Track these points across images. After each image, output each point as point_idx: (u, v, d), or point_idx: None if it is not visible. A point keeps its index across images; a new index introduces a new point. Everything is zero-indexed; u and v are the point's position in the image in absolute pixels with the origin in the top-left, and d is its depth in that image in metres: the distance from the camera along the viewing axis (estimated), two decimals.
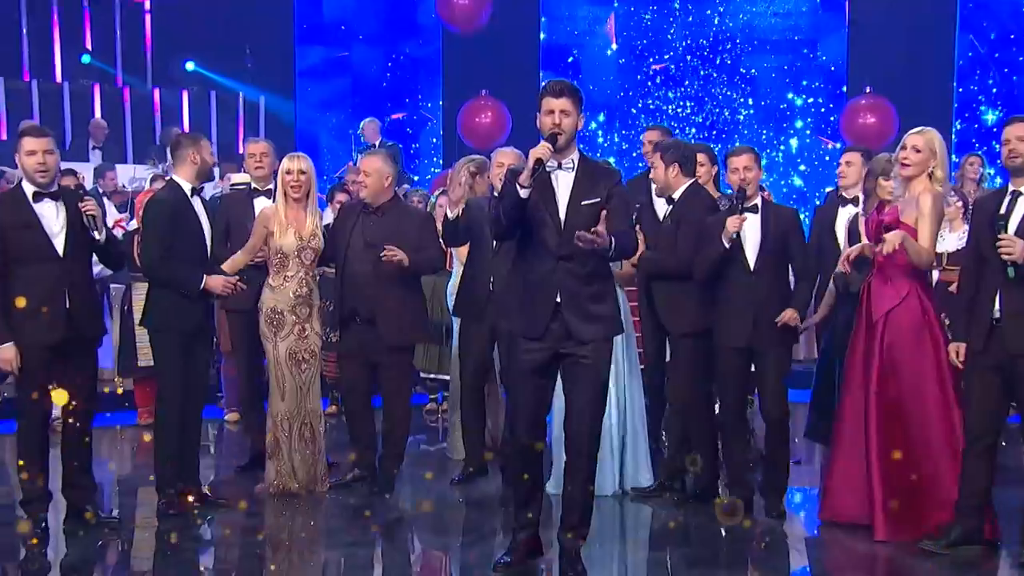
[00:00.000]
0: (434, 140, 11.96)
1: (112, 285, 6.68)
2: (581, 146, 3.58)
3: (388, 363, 4.57)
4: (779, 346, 4.26)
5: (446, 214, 4.72)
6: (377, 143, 9.48)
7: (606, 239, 3.32)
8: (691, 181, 4.52)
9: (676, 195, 4.51)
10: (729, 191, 4.57)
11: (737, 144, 4.59)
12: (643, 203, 4.63)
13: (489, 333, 4.77)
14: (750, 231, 4.27)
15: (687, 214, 4.40)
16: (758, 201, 4.33)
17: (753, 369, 4.33)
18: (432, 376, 6.68)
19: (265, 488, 4.56)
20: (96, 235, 3.93)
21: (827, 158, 10.67)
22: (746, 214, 4.24)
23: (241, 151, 10.33)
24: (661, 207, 4.56)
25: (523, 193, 3.37)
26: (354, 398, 4.66)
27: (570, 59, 11.43)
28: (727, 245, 4.21)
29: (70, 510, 4.04)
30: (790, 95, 11.03)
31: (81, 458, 4.01)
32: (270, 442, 4.54)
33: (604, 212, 3.44)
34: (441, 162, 11.75)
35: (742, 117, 11.11)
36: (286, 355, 4.50)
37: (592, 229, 3.32)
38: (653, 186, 4.57)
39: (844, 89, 10.76)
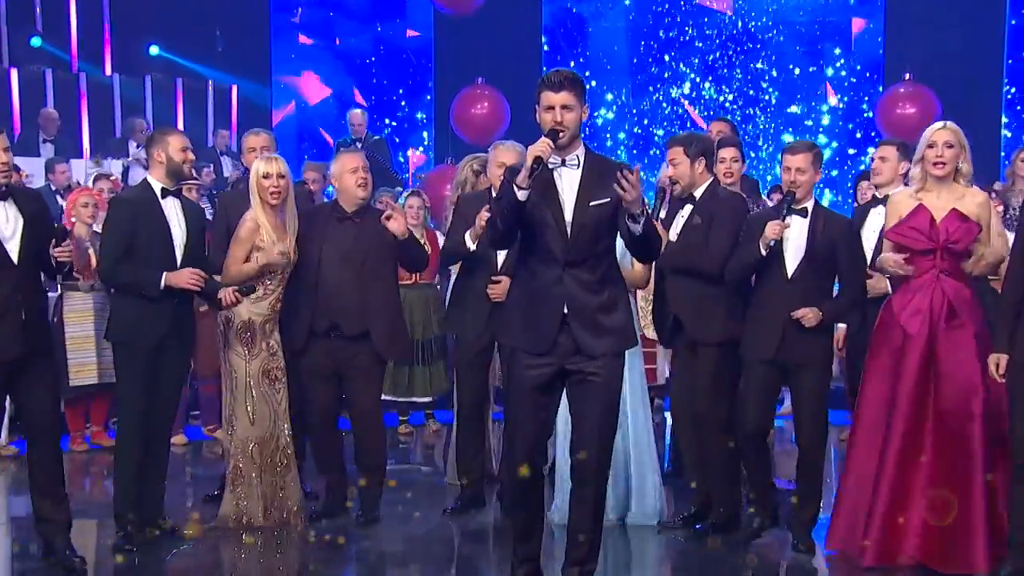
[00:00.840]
0: (425, 134, 12.04)
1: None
2: (595, 142, 3.63)
3: (364, 379, 4.61)
4: (815, 362, 4.29)
5: (464, 242, 4.72)
6: (363, 136, 9.57)
7: (640, 195, 3.29)
8: (712, 179, 4.58)
9: (697, 192, 4.56)
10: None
11: (795, 140, 4.61)
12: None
13: (480, 346, 4.81)
14: (794, 235, 4.31)
15: (720, 211, 4.45)
16: (809, 204, 4.37)
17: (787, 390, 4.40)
18: (398, 400, 6.72)
19: (224, 522, 4.53)
20: (58, 276, 3.97)
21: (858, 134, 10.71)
22: (790, 219, 4.29)
23: (211, 143, 10.40)
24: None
25: (521, 195, 3.39)
26: (324, 420, 4.67)
27: (577, 49, 11.50)
28: (764, 252, 4.26)
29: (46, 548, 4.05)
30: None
31: (54, 486, 4.01)
32: (232, 471, 4.53)
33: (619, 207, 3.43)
34: (432, 156, 11.82)
35: (769, 97, 11.19)
36: (259, 373, 4.53)
37: (624, 174, 3.26)
38: (675, 188, 4.60)
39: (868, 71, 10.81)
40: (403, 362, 6.53)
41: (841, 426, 5.74)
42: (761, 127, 11.23)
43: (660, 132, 11.33)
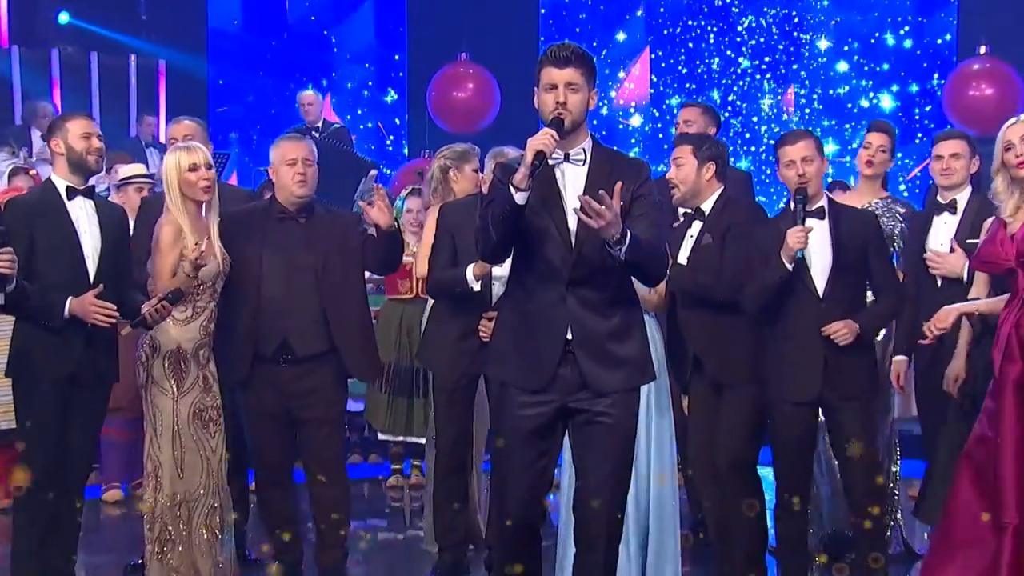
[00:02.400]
0: (397, 121, 12.10)
1: None
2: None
3: (322, 417, 4.60)
4: (859, 393, 4.33)
5: (464, 278, 4.75)
6: (320, 124, 9.57)
7: (615, 219, 3.32)
8: (722, 187, 4.62)
9: (706, 205, 4.59)
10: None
11: (789, 132, 4.67)
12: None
13: (465, 381, 4.84)
14: (815, 243, 4.35)
15: (735, 226, 4.49)
16: (824, 203, 4.43)
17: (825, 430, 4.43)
18: (398, 440, 6.76)
19: None
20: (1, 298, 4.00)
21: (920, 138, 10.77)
22: (810, 222, 4.33)
23: (135, 133, 10.40)
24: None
25: (518, 198, 3.41)
26: (273, 469, 4.67)
27: (582, 15, 11.57)
28: (790, 266, 4.30)
29: None
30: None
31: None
32: (158, 536, 4.53)
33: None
34: (406, 151, 11.86)
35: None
36: (190, 415, 4.53)
37: (599, 194, 3.32)
38: (674, 192, 4.65)
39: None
40: (400, 392, 6.60)
41: (909, 479, 5.75)
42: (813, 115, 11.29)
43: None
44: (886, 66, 11.11)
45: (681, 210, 4.77)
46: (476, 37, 10.64)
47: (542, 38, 11.15)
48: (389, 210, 4.57)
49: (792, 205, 4.38)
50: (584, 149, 3.55)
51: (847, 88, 11.16)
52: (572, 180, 3.53)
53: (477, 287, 4.74)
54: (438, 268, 4.90)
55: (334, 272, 4.60)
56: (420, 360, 5.35)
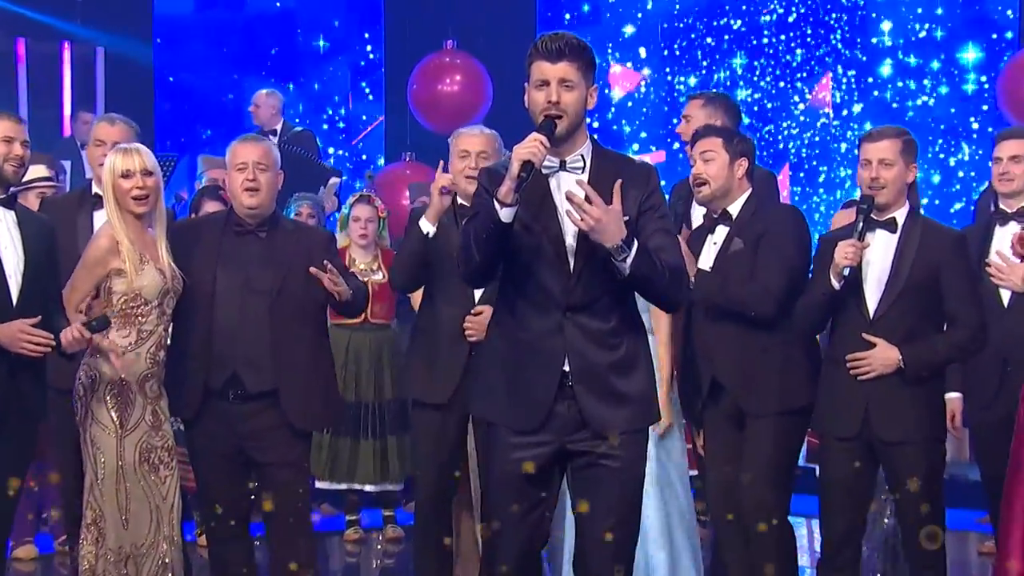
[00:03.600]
0: (362, 117, 12.14)
1: None
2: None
3: (280, 461, 4.63)
4: (916, 437, 4.38)
5: (418, 229, 4.82)
6: (278, 127, 9.60)
7: (612, 220, 3.36)
8: (751, 189, 4.71)
9: (734, 208, 4.67)
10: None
11: (880, 126, 4.72)
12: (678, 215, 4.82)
13: (460, 422, 4.90)
14: (875, 257, 4.43)
15: (770, 230, 4.56)
16: (897, 214, 4.49)
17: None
18: (364, 489, 6.78)
19: None
20: None
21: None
22: (871, 235, 4.41)
23: (68, 132, 10.42)
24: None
25: (504, 214, 3.44)
26: (227, 519, 4.70)
27: (585, 7, 11.66)
28: (837, 284, 4.38)
29: None
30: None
31: None
32: None
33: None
34: (383, 155, 11.94)
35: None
36: (136, 456, 4.57)
37: (573, 195, 3.37)
38: (701, 190, 4.71)
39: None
40: (342, 433, 6.61)
41: (981, 533, 5.80)
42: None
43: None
44: (936, 64, 11.22)
45: (696, 210, 4.85)
46: (464, 22, 10.70)
47: (539, 27, 11.20)
48: (342, 284, 4.56)
49: (857, 213, 4.45)
50: (583, 155, 3.59)
51: (891, 90, 11.24)
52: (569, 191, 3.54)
53: (432, 228, 4.78)
54: (400, 251, 5.02)
55: (290, 297, 4.63)
56: (401, 388, 5.39)
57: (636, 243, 3.44)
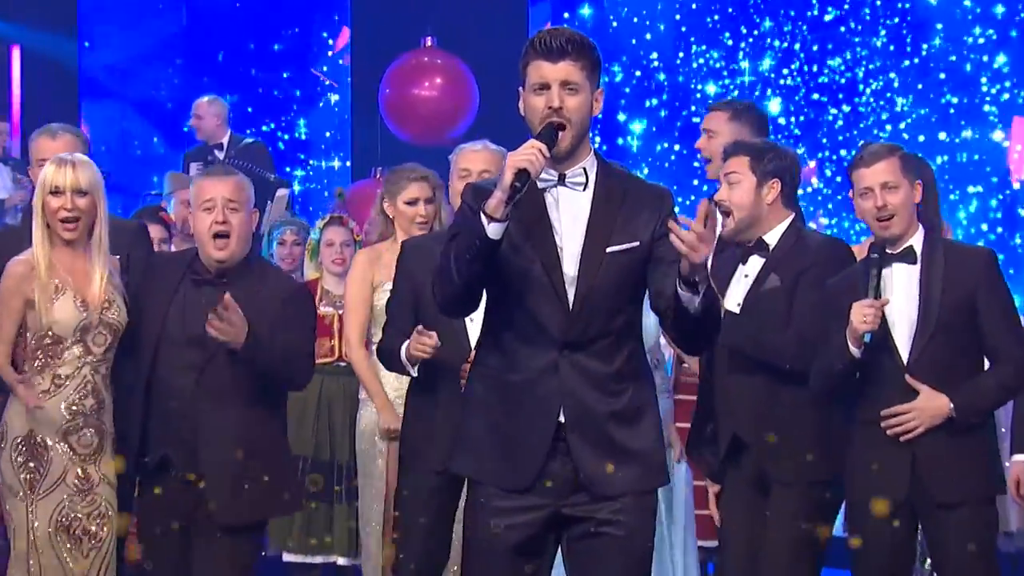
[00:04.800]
0: (327, 134, 12.23)
1: None
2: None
3: (221, 549, 4.63)
4: (967, 498, 4.37)
5: (399, 359, 4.82)
6: (225, 140, 9.64)
7: (708, 251, 3.34)
8: (793, 216, 4.73)
9: (771, 237, 4.69)
10: None
11: (865, 148, 4.73)
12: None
13: (444, 484, 4.90)
14: (899, 294, 4.45)
15: (812, 268, 4.57)
16: (913, 241, 4.52)
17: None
18: (315, 562, 6.75)
19: None
20: None
21: None
22: (897, 269, 4.45)
23: None
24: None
25: (492, 231, 3.44)
26: None
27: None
28: (856, 352, 4.38)
29: None
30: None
31: None
32: None
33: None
34: (349, 165, 11.97)
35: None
36: (51, 526, 4.52)
37: (677, 223, 3.35)
38: (721, 220, 4.70)
39: None
40: (314, 497, 6.55)
41: None
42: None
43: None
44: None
45: (719, 227, 4.85)
46: (445, 15, 10.74)
47: (530, 24, 11.23)
48: (236, 326, 4.47)
49: (869, 261, 4.45)
50: (586, 169, 3.60)
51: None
52: (569, 210, 3.58)
53: (415, 373, 4.82)
54: (390, 324, 4.98)
55: (230, 363, 4.60)
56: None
57: (710, 281, 3.42)
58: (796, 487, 4.54)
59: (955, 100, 11.03)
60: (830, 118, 11.27)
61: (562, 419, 3.56)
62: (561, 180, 3.59)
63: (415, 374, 4.83)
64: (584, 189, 3.60)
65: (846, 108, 11.27)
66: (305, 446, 6.47)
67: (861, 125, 11.19)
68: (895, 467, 4.40)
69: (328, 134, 12.45)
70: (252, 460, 4.63)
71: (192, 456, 4.59)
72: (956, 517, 4.38)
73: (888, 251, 4.46)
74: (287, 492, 4.78)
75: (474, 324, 4.74)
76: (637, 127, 11.77)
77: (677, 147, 11.71)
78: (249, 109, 12.15)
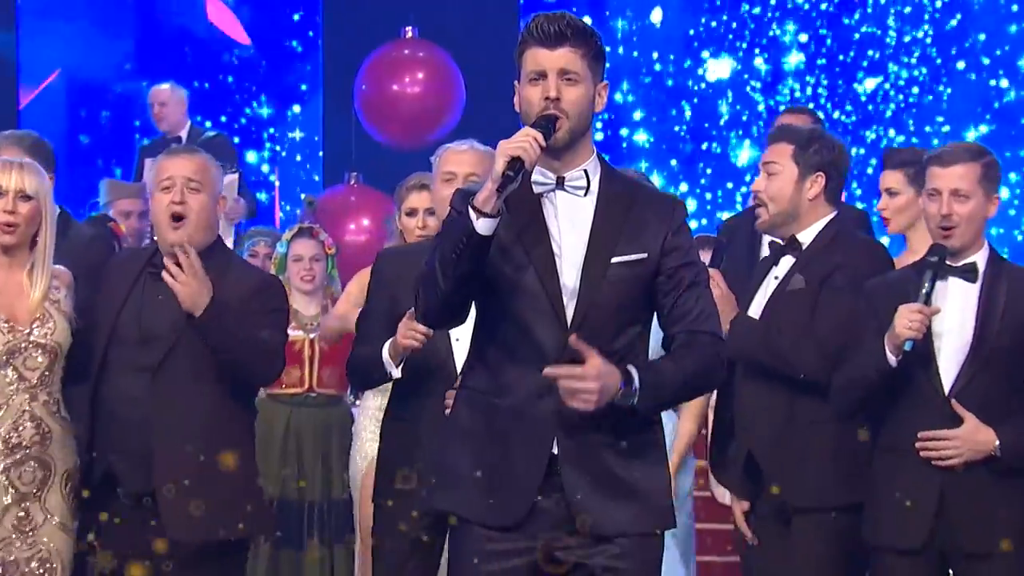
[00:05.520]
0: (296, 136, 12.18)
1: None
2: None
3: (182, 568, 4.61)
4: (1009, 551, 4.34)
5: (379, 360, 4.79)
6: (184, 133, 9.59)
7: (605, 379, 3.40)
8: (834, 214, 4.72)
9: (805, 235, 4.67)
10: None
11: (949, 144, 4.74)
12: (740, 256, 4.80)
13: (438, 528, 4.85)
14: (951, 315, 4.43)
15: (842, 271, 4.55)
16: (977, 258, 4.50)
17: None
18: None
19: None
20: None
21: None
22: (952, 284, 4.42)
23: None
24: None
25: (481, 226, 3.44)
26: None
27: None
28: (894, 360, 4.36)
29: None
30: None
31: None
32: None
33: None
34: (320, 175, 11.95)
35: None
36: None
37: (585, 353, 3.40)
38: (760, 213, 4.72)
39: None
40: (283, 541, 6.53)
41: None
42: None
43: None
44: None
45: (766, 238, 4.83)
46: (429, 2, 10.74)
47: (522, 12, 11.30)
48: (193, 280, 4.50)
49: (926, 264, 4.42)
50: (587, 172, 3.60)
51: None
52: (569, 216, 3.59)
53: (397, 373, 4.76)
54: (361, 341, 4.96)
55: (189, 361, 4.64)
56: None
57: (637, 380, 3.45)
58: (817, 516, 4.54)
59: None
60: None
61: (555, 450, 3.55)
62: (560, 184, 3.59)
63: (398, 374, 4.76)
64: (585, 194, 3.60)
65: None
66: (270, 485, 6.39)
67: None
68: (919, 507, 4.38)
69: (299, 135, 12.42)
70: (212, 471, 4.61)
71: (143, 467, 4.60)
72: (990, 570, 4.36)
73: (948, 263, 4.44)
74: (253, 510, 4.76)
75: (460, 344, 4.75)
76: (641, 137, 11.81)
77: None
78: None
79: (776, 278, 4.68)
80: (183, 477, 4.58)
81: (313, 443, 6.69)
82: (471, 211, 3.44)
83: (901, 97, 11.52)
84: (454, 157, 4.98)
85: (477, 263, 3.48)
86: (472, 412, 3.66)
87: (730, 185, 11.76)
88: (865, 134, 11.51)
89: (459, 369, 4.71)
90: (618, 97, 11.64)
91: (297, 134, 12.37)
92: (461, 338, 4.82)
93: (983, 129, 11.26)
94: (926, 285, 4.38)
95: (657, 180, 10.97)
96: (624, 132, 11.92)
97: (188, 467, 4.59)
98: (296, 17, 12.29)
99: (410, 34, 10.57)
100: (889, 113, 11.54)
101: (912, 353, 4.35)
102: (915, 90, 11.51)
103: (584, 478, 3.55)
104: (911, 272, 4.51)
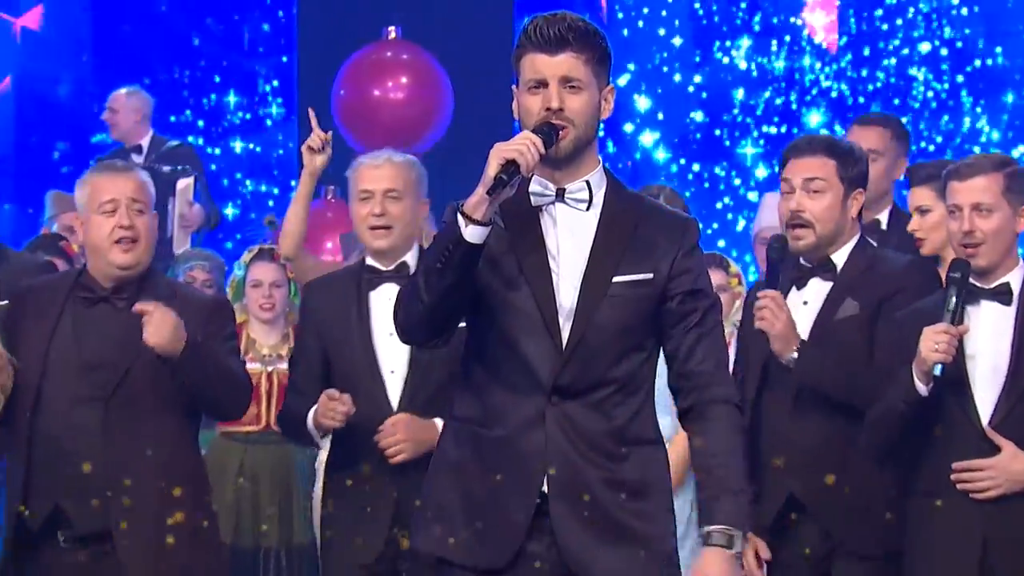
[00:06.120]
0: (281, 140, 12.24)
1: None
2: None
3: None
4: None
5: (304, 426, 4.85)
6: (145, 142, 9.64)
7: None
8: (860, 232, 4.78)
9: (839, 256, 4.69)
10: None
11: (969, 156, 4.78)
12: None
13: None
14: (985, 338, 4.44)
15: (906, 294, 4.57)
16: (1010, 277, 4.52)
17: None
18: None
19: None
20: None
21: None
22: (984, 308, 4.44)
23: None
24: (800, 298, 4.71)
25: (470, 234, 3.44)
26: None
27: None
28: (924, 389, 4.36)
29: None
30: None
31: None
32: None
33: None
34: (294, 184, 11.93)
35: None
36: None
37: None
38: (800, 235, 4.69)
39: None
40: None
41: None
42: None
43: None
44: None
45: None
46: (413, 2, 10.76)
47: (517, 11, 11.30)
48: (164, 323, 4.53)
49: (950, 286, 4.43)
50: (589, 184, 3.61)
51: None
52: (570, 231, 3.60)
53: (324, 444, 4.84)
54: (292, 390, 5.02)
55: (142, 393, 4.68)
56: (323, 529, 5.41)
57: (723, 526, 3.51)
58: (867, 563, 4.57)
59: None
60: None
61: (546, 488, 3.56)
62: (560, 196, 3.60)
63: (324, 444, 4.88)
64: (588, 208, 3.62)
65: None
66: (223, 530, 6.37)
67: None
68: (962, 550, 4.40)
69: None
70: (176, 507, 4.68)
71: (96, 506, 4.60)
72: None
73: (978, 285, 4.44)
74: (208, 557, 4.83)
75: (395, 377, 4.85)
76: (648, 138, 11.81)
77: (697, 166, 11.79)
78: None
79: (806, 303, 4.68)
80: (143, 516, 4.64)
81: (271, 485, 6.69)
82: (460, 217, 3.44)
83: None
84: (369, 173, 5.01)
85: (464, 275, 3.49)
86: (458, 445, 3.67)
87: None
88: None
89: (395, 404, 4.85)
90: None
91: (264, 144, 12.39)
92: (396, 370, 4.84)
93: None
94: (951, 302, 4.39)
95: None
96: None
97: (148, 505, 4.65)
98: (266, 27, 12.35)
99: (393, 34, 10.56)
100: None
101: (944, 380, 4.35)
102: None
103: (576, 520, 3.55)
104: (941, 297, 4.50)
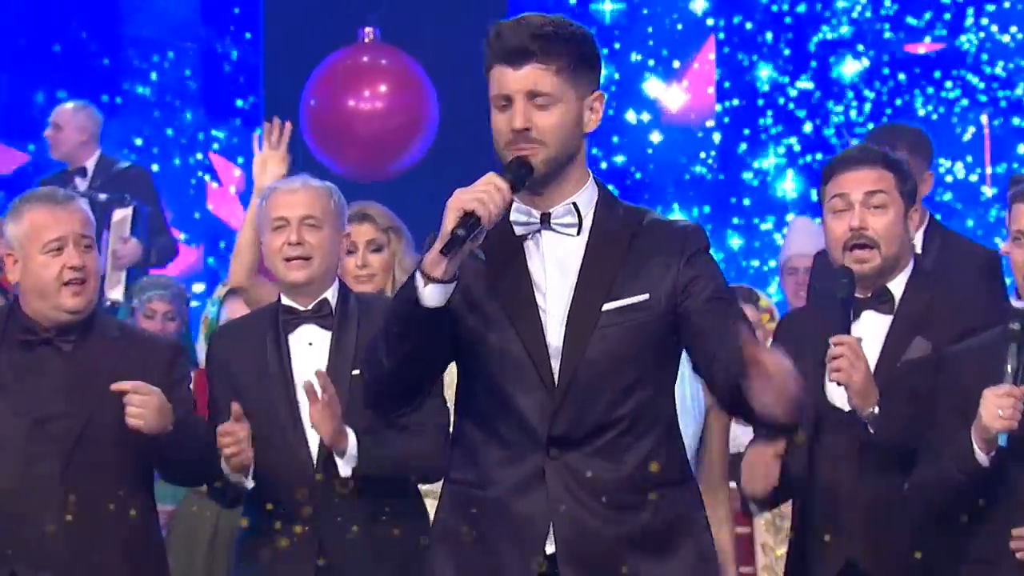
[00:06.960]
0: (239, 161, 12.28)
1: None
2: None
3: None
4: None
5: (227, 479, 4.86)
6: (91, 164, 9.70)
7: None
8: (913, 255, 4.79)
9: (896, 284, 4.67)
10: None
11: None
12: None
13: None
14: None
15: (968, 323, 4.55)
16: None
17: None
18: None
19: None
20: None
21: None
22: None
23: None
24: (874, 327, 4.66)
25: (428, 295, 3.43)
26: None
27: None
28: (985, 459, 4.34)
29: None
30: None
31: None
32: None
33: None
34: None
35: None
36: None
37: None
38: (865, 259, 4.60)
39: None
40: None
41: None
42: None
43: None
44: None
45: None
46: (393, 2, 10.85)
47: (509, 7, 11.33)
48: (149, 409, 4.55)
49: (1009, 334, 4.38)
50: (576, 206, 3.61)
51: None
52: (556, 261, 3.60)
53: (250, 483, 4.79)
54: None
55: (100, 448, 4.71)
56: None
57: None
58: None
59: None
60: None
61: (551, 549, 3.56)
62: (545, 222, 3.60)
63: (249, 484, 4.79)
64: (578, 232, 3.61)
65: None
66: None
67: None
68: None
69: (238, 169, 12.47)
70: (144, 564, 4.78)
71: (59, 570, 4.64)
72: None
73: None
74: None
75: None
76: (656, 137, 11.91)
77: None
78: None
79: (859, 340, 4.55)
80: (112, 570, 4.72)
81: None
82: (418, 275, 3.44)
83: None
84: (284, 199, 4.97)
85: (426, 339, 3.49)
86: (454, 509, 3.68)
87: None
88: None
89: (315, 456, 4.81)
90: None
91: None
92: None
93: None
94: (1011, 361, 4.33)
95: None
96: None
97: (112, 569, 4.72)
98: (232, 28, 12.43)
99: (370, 37, 10.60)
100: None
101: (1007, 451, 4.31)
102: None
103: None
104: (999, 336, 4.44)
